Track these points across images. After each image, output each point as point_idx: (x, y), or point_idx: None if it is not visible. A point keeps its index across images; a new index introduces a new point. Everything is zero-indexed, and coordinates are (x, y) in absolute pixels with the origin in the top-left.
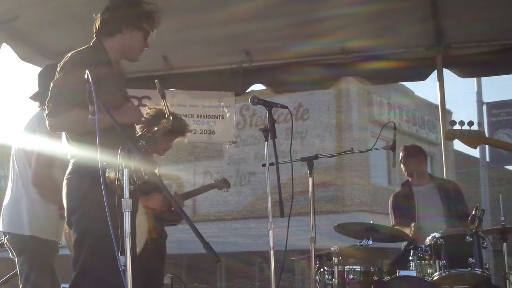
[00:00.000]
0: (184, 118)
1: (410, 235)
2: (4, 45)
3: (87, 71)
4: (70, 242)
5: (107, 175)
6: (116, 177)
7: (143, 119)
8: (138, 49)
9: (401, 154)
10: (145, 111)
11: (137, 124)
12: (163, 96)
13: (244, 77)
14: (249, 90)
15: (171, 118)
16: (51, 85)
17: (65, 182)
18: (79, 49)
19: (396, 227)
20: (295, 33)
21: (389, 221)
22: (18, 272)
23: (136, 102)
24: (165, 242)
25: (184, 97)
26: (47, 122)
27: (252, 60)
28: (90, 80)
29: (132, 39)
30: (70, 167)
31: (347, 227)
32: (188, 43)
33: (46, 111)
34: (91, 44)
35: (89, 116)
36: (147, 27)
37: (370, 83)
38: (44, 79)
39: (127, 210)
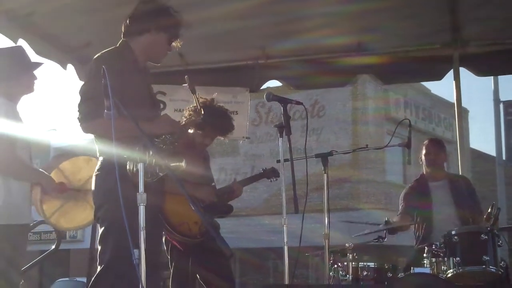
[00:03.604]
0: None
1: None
2: (20, 40)
3: (103, 66)
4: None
5: (128, 167)
6: (137, 169)
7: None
8: (163, 51)
9: (425, 145)
10: (187, 111)
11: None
12: (194, 91)
13: (260, 73)
14: (264, 86)
15: (202, 111)
16: (81, 89)
17: (93, 178)
18: (105, 51)
19: (398, 215)
20: (311, 29)
21: None
22: None
23: None
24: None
25: (199, 92)
26: (80, 127)
27: (268, 56)
28: (107, 74)
29: (159, 40)
30: (98, 164)
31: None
32: (204, 39)
33: (79, 116)
34: (118, 45)
35: (105, 111)
36: (174, 31)
37: (385, 83)
38: None
39: (142, 204)
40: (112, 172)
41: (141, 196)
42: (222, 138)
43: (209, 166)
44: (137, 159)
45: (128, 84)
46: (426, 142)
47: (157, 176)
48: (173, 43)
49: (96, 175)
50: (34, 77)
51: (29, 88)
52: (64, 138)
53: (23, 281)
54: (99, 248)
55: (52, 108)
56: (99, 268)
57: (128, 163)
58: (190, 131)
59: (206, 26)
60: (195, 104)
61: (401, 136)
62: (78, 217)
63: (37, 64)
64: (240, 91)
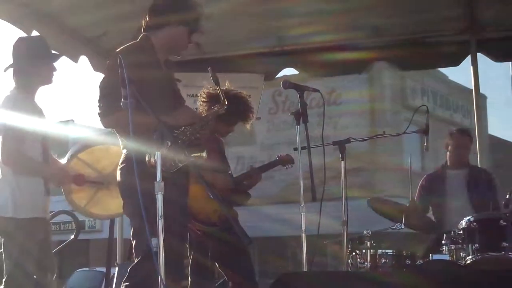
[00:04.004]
0: None
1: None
2: (34, 32)
3: (119, 56)
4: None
5: (147, 159)
6: (155, 160)
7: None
8: (183, 44)
9: (455, 136)
10: (201, 96)
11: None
12: (217, 82)
13: (276, 61)
14: (280, 74)
15: (226, 102)
16: (101, 84)
17: (118, 172)
18: (126, 45)
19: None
20: (325, 16)
21: None
22: (2, 251)
23: None
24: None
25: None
26: (100, 122)
27: (284, 44)
28: (123, 64)
29: (179, 33)
30: (122, 157)
31: (382, 206)
32: (220, 27)
33: (98, 111)
34: (138, 39)
35: (122, 100)
36: (193, 23)
37: (402, 70)
38: (18, 51)
39: (160, 192)
40: (133, 166)
41: (159, 184)
42: (244, 124)
43: (225, 155)
44: (155, 149)
45: (148, 79)
46: (454, 132)
47: (176, 167)
48: (194, 35)
49: (120, 169)
50: (54, 69)
51: (48, 80)
52: (82, 129)
53: (56, 274)
54: (134, 242)
55: (70, 98)
56: (136, 260)
57: (147, 155)
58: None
59: (222, 15)
60: (216, 94)
61: (418, 123)
62: (112, 205)
63: (57, 56)
64: (255, 77)
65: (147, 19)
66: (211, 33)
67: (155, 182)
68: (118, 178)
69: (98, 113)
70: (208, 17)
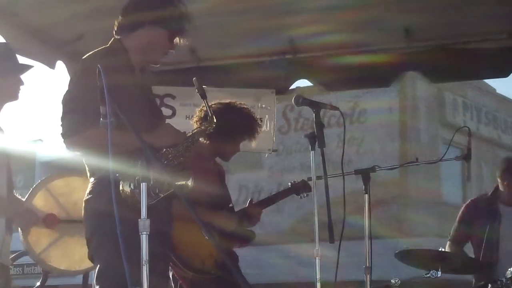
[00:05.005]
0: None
1: None
2: None
3: (98, 66)
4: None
5: (121, 188)
6: (131, 190)
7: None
8: (161, 49)
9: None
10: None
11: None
12: (204, 96)
13: (288, 71)
14: (293, 86)
15: (214, 120)
16: (64, 98)
17: (83, 206)
18: (93, 51)
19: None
20: (347, 15)
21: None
22: None
23: (158, 102)
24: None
25: (215, 95)
26: (64, 143)
27: (297, 50)
28: (103, 76)
29: (155, 37)
30: (89, 187)
31: (411, 255)
32: (220, 30)
33: (61, 131)
34: (108, 44)
35: (101, 119)
36: (174, 25)
37: (437, 82)
38: None
39: (145, 232)
40: (103, 194)
41: (144, 223)
42: (250, 141)
43: (225, 183)
44: (135, 177)
45: (121, 90)
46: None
47: (157, 198)
48: (176, 40)
49: (85, 201)
50: (21, 83)
51: (14, 95)
52: (52, 150)
53: None
54: None
55: (38, 115)
56: None
57: (121, 183)
58: (206, 141)
59: (221, 13)
60: (206, 111)
61: (459, 146)
62: (76, 256)
63: (26, 67)
64: (264, 94)
65: (120, 19)
66: (208, 37)
67: (139, 220)
68: (83, 212)
69: (61, 134)
70: (201, 16)
